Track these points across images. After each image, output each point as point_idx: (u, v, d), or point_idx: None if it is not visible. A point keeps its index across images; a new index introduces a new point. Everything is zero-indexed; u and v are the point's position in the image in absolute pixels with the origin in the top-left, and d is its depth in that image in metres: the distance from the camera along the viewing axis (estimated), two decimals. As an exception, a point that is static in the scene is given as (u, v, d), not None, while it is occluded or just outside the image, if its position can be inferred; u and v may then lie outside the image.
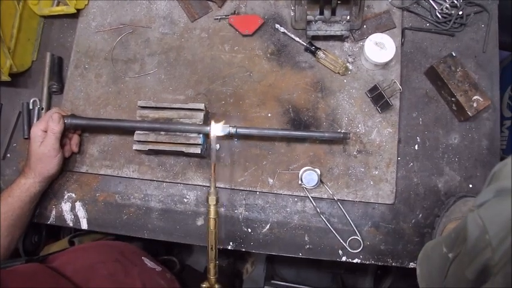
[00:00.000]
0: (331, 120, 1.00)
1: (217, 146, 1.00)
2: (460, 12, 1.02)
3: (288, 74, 1.03)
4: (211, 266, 0.80)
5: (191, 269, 1.50)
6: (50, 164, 0.92)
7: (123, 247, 1.03)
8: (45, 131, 0.92)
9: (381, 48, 0.95)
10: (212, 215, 0.80)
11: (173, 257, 1.35)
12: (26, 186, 0.91)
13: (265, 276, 1.58)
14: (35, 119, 1.05)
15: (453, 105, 0.98)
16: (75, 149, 1.00)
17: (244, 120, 1.01)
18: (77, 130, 1.00)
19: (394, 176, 0.96)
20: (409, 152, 0.99)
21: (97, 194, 1.01)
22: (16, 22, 1.03)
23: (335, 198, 0.96)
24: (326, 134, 0.93)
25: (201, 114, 0.94)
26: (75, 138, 1.00)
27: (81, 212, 1.01)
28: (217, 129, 0.88)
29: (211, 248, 0.80)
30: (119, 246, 1.03)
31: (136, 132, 0.94)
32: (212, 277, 0.80)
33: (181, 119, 0.94)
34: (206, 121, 0.97)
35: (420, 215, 0.96)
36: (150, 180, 1.01)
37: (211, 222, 0.80)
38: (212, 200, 0.81)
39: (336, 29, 0.98)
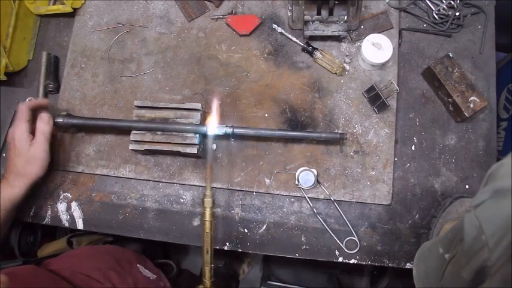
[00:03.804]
0: (328, 120, 1.00)
1: (214, 146, 1.00)
2: (457, 13, 1.02)
3: (285, 74, 1.03)
4: (207, 269, 0.79)
5: (188, 273, 1.49)
6: (40, 167, 0.88)
7: (118, 254, 1.02)
8: (31, 133, 0.88)
9: (378, 48, 0.95)
10: (208, 217, 0.79)
11: (170, 259, 1.34)
12: (13, 196, 0.86)
13: (261, 276, 1.57)
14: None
15: (450, 106, 0.98)
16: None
17: (241, 120, 1.01)
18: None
19: (390, 176, 0.96)
20: (406, 153, 0.99)
21: (93, 194, 1.01)
22: (12, 21, 1.02)
23: (332, 198, 0.96)
24: (323, 135, 0.93)
25: (198, 114, 0.94)
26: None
27: (77, 212, 1.00)
28: (213, 128, 0.88)
29: (207, 252, 0.79)
30: (115, 253, 1.03)
31: (133, 132, 0.94)
32: (207, 280, 0.79)
33: (177, 119, 0.94)
34: (203, 121, 0.96)
35: (417, 216, 0.96)
36: (147, 180, 1.00)
37: (207, 225, 0.79)
38: (208, 203, 0.79)
39: (333, 29, 0.98)
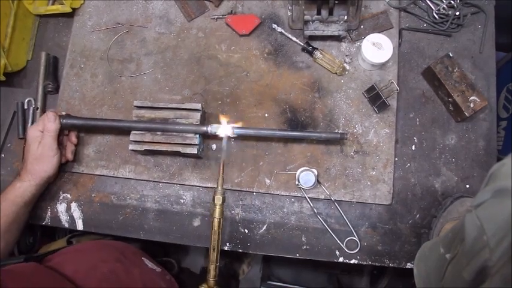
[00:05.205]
0: (328, 120, 1.00)
1: (214, 146, 0.99)
2: (457, 13, 1.02)
3: (285, 74, 1.03)
4: (212, 267, 0.78)
5: (189, 271, 1.49)
6: (47, 164, 0.91)
7: (123, 247, 1.02)
8: (43, 132, 0.91)
9: (378, 48, 0.95)
10: (217, 215, 0.78)
11: (171, 258, 1.34)
12: (21, 190, 0.89)
13: (261, 276, 1.57)
14: (30, 119, 1.04)
15: (450, 105, 0.98)
16: (70, 157, 0.98)
17: (241, 120, 1.00)
18: (72, 137, 0.99)
19: (391, 176, 0.96)
20: (406, 153, 0.99)
21: (93, 195, 1.01)
22: (11, 21, 1.02)
23: (332, 198, 0.96)
24: (323, 135, 0.93)
25: (198, 115, 0.93)
26: (69, 147, 0.98)
27: (76, 213, 1.00)
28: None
29: (214, 249, 0.78)
30: (119, 246, 1.03)
31: (133, 132, 0.94)
32: (212, 279, 0.78)
33: (177, 119, 0.94)
34: (203, 121, 0.96)
35: (417, 216, 0.96)
36: (146, 180, 1.00)
37: (216, 223, 0.77)
38: (218, 200, 0.78)
39: (333, 29, 0.98)
